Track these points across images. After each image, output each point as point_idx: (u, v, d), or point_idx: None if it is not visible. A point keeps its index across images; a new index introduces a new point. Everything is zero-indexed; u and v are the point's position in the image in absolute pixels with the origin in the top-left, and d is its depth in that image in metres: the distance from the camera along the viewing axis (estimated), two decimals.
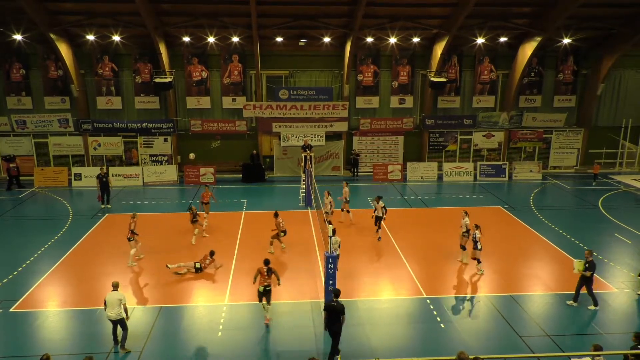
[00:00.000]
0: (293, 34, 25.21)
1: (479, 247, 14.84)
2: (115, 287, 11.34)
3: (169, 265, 15.01)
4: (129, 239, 15.82)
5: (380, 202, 17.69)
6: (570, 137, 28.45)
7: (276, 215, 16.71)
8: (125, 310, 11.15)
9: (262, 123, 26.54)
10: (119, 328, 11.32)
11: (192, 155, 24.09)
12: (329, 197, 18.66)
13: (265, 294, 12.18)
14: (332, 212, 18.78)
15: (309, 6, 23.38)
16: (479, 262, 15.10)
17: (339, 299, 10.71)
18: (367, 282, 14.69)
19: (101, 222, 19.80)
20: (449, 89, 27.64)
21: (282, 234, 16.63)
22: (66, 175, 25.64)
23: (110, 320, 11.17)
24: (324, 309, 10.88)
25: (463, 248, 15.98)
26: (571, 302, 13.26)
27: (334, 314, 10.53)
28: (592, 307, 13.01)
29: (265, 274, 12.28)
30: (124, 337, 11.27)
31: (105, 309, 11.11)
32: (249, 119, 26.67)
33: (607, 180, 26.31)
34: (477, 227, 15.08)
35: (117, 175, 25.62)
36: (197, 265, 14.93)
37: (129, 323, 11.88)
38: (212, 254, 15.20)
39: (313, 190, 20.40)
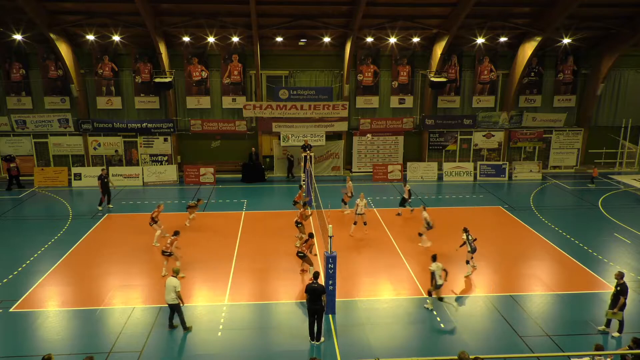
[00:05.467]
0: (293, 33, 25.20)
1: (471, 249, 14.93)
2: (175, 273, 12.14)
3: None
4: (150, 224, 17.30)
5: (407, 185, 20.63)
6: (570, 137, 28.45)
7: (304, 205, 17.68)
8: (179, 297, 11.76)
9: (262, 123, 26.54)
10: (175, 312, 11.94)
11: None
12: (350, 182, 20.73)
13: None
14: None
15: (309, 6, 23.37)
16: (468, 263, 15.14)
17: (317, 281, 11.60)
18: (367, 282, 14.70)
19: (101, 222, 19.80)
20: (449, 88, 27.63)
21: (299, 225, 17.19)
22: (66, 175, 25.64)
23: (167, 304, 11.86)
24: (306, 291, 11.56)
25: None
26: (603, 327, 12.15)
27: (315, 295, 11.40)
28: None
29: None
30: (182, 320, 11.96)
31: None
32: (249, 119, 26.67)
33: (607, 180, 26.31)
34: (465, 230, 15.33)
35: (117, 175, 25.62)
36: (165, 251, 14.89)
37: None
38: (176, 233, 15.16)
39: (313, 190, 20.42)
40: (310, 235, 15.10)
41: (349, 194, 20.72)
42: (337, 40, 25.86)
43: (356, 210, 18.42)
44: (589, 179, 26.29)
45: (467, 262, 15.14)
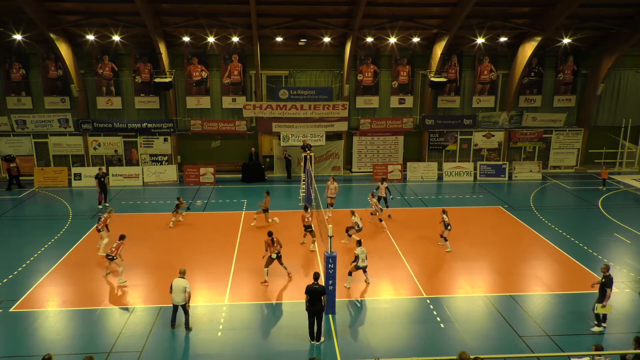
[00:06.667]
0: (293, 34, 25.20)
1: (449, 228, 16.78)
2: (182, 274, 12.08)
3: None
4: (98, 230, 16.67)
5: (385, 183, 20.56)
6: (570, 137, 28.46)
7: (305, 208, 17.50)
8: (188, 297, 11.89)
9: (262, 123, 26.54)
10: (179, 312, 12.02)
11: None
12: (334, 183, 20.61)
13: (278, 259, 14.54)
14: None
15: (309, 6, 23.37)
16: (445, 240, 16.98)
17: (318, 282, 11.62)
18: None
19: None
20: (449, 88, 27.63)
21: (307, 229, 17.23)
22: (66, 175, 25.64)
23: (174, 304, 11.92)
24: (306, 292, 11.55)
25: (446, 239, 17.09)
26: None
27: (315, 296, 11.44)
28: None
29: (271, 243, 14.41)
30: (187, 320, 12.04)
31: (171, 293, 11.90)
32: (249, 119, 26.67)
33: (607, 180, 26.26)
34: (444, 211, 17.02)
35: (117, 175, 25.62)
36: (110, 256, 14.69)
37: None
38: (121, 237, 14.89)
39: (313, 190, 20.39)
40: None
41: (333, 195, 20.46)
42: (337, 40, 25.86)
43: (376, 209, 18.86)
44: (589, 178, 26.30)
45: (445, 240, 16.88)
